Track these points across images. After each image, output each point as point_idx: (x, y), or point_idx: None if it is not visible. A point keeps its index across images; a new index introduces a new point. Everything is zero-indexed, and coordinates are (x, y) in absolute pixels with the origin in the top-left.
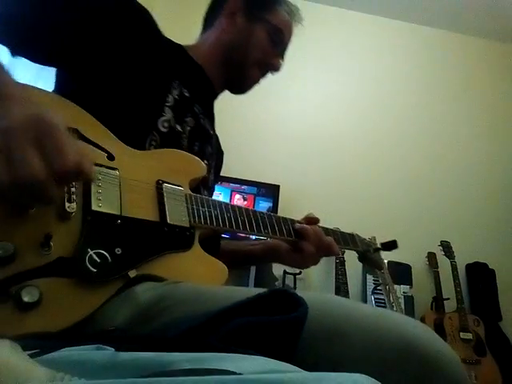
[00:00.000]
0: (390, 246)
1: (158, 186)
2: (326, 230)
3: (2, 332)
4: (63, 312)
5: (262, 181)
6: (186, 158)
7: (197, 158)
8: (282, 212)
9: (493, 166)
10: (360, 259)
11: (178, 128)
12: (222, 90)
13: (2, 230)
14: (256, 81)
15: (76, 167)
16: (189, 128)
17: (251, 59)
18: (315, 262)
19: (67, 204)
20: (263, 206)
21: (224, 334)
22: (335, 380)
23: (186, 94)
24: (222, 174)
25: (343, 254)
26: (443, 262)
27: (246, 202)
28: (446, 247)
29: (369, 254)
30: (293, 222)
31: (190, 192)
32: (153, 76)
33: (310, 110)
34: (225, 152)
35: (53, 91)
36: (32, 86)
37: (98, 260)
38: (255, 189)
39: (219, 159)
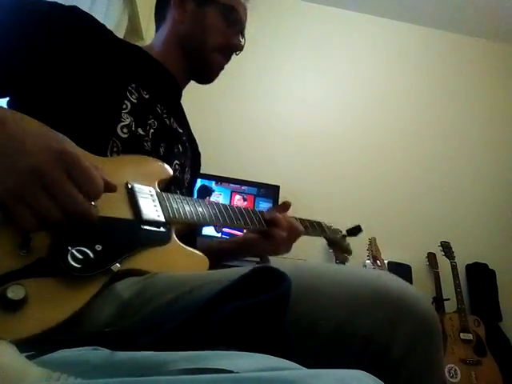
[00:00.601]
0: (355, 231)
1: (128, 186)
2: (294, 218)
3: None
4: (51, 310)
5: (262, 181)
6: (150, 162)
7: (161, 161)
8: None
9: (493, 167)
10: (329, 245)
11: (140, 131)
12: (186, 84)
13: None
14: (221, 66)
15: (102, 187)
16: (152, 130)
17: (210, 45)
18: (288, 249)
19: None
20: (263, 206)
21: (214, 324)
22: (333, 376)
23: (146, 96)
24: (221, 174)
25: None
26: (443, 263)
27: (246, 203)
28: (446, 247)
29: (336, 240)
30: (262, 212)
31: (159, 191)
32: (107, 83)
33: (310, 110)
34: (225, 153)
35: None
36: None
37: (80, 256)
38: (255, 189)
39: (195, 159)
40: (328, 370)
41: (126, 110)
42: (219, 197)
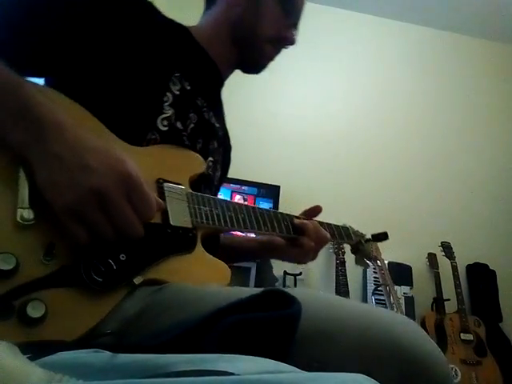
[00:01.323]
0: (381, 237)
1: (159, 185)
2: (321, 224)
3: None
4: (70, 324)
5: (263, 181)
6: (185, 153)
7: (196, 154)
8: None
9: (493, 167)
10: (352, 251)
11: (179, 125)
12: (229, 74)
13: (3, 241)
14: (271, 58)
15: (155, 211)
16: (192, 125)
17: (264, 34)
18: (314, 257)
19: None
20: (263, 206)
21: (219, 332)
22: (334, 380)
23: (188, 88)
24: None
25: (344, 255)
26: (444, 263)
27: (246, 203)
28: (447, 248)
29: (360, 245)
30: (291, 218)
31: (190, 190)
32: (151, 70)
33: (311, 110)
34: (227, 152)
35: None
36: (45, 90)
37: (103, 268)
38: (255, 189)
39: (226, 154)
40: (329, 374)
41: (168, 102)
42: (219, 196)
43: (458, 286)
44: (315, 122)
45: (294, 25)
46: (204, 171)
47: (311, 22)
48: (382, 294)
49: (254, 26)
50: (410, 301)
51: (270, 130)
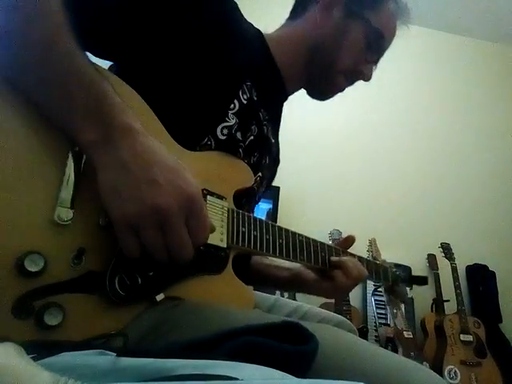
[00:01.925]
0: (419, 281)
1: (203, 196)
2: (360, 259)
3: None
4: (84, 332)
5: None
6: (236, 164)
7: (247, 166)
8: (282, 213)
9: (493, 168)
10: (386, 291)
11: (238, 136)
12: (294, 91)
13: (35, 238)
14: (341, 89)
15: (208, 237)
16: (252, 137)
17: (340, 64)
18: (347, 292)
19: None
20: (263, 207)
21: (229, 349)
22: None
23: (255, 98)
24: None
25: None
26: (443, 264)
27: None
28: (446, 249)
29: (396, 286)
30: (330, 250)
31: (233, 206)
32: (224, 76)
33: (310, 111)
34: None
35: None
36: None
37: (128, 282)
38: None
39: (274, 169)
40: (331, 381)
41: (234, 111)
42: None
43: (457, 287)
44: (315, 124)
45: (375, 62)
46: (251, 186)
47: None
48: (381, 295)
49: (334, 55)
50: (409, 302)
51: None
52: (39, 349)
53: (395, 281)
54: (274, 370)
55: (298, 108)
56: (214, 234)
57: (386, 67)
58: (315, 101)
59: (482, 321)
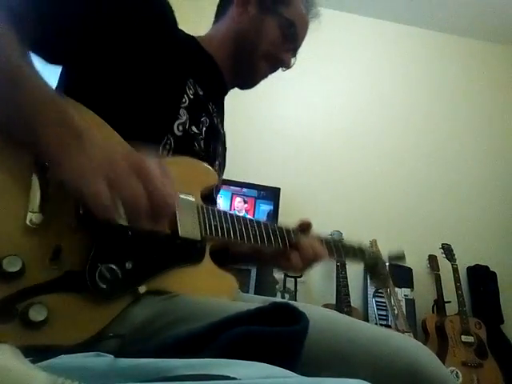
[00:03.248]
0: (397, 258)
1: None
2: (328, 242)
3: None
4: (71, 330)
5: (263, 184)
6: (199, 166)
7: (209, 167)
8: (282, 215)
9: (494, 168)
10: (367, 271)
11: (194, 130)
12: (232, 86)
13: (12, 243)
14: (264, 75)
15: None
16: (204, 128)
17: (261, 50)
18: (301, 271)
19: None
20: (264, 209)
21: (224, 341)
22: None
23: (201, 93)
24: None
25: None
26: (444, 265)
27: (246, 205)
28: (447, 250)
29: (376, 267)
30: (289, 231)
31: (201, 203)
32: (168, 76)
33: (311, 112)
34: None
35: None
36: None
37: (108, 275)
38: (256, 192)
39: (224, 157)
40: (332, 379)
41: (184, 105)
42: (219, 199)
43: (458, 288)
44: (316, 125)
45: (293, 50)
46: (217, 182)
47: (312, 24)
48: (382, 297)
49: (254, 42)
50: (410, 303)
51: (271, 132)
52: (36, 352)
53: (374, 260)
54: (271, 366)
55: (299, 110)
56: (188, 227)
57: (388, 68)
58: (316, 103)
59: (483, 322)
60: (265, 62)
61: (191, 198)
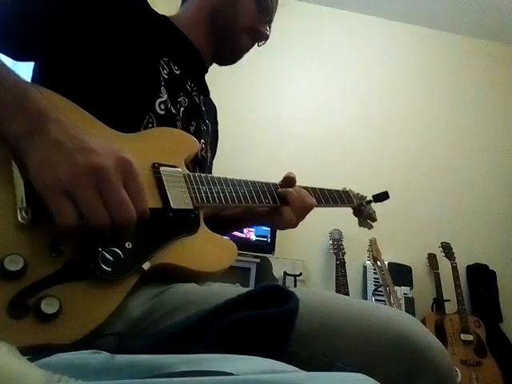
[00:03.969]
0: (382, 197)
1: (155, 169)
2: (315, 190)
3: (25, 343)
4: (86, 315)
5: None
6: (178, 134)
7: (189, 135)
8: None
9: (494, 167)
10: (354, 214)
11: (173, 110)
12: (210, 63)
13: (9, 242)
14: (246, 48)
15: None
16: (182, 108)
17: (240, 24)
18: (294, 225)
19: None
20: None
21: (218, 331)
22: (334, 379)
23: (177, 72)
24: (221, 175)
25: (343, 256)
26: (444, 264)
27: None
28: (447, 248)
29: (362, 207)
30: (276, 186)
31: (187, 171)
32: (141, 56)
33: (310, 110)
34: (223, 153)
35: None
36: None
37: (111, 258)
38: None
39: (214, 133)
40: (328, 373)
41: (163, 84)
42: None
43: (458, 286)
44: (316, 123)
45: (268, 22)
46: (198, 151)
47: (312, 23)
48: (382, 295)
49: (232, 16)
50: (410, 301)
51: (271, 130)
52: (33, 350)
53: (361, 203)
54: (269, 360)
55: (299, 109)
56: (179, 198)
57: (388, 67)
58: (316, 101)
59: (483, 320)
60: (246, 35)
61: (177, 169)
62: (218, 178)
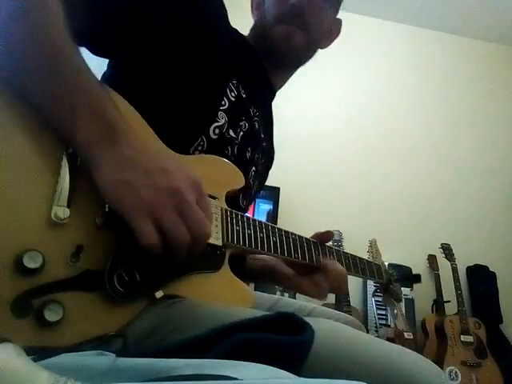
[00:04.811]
0: (414, 279)
1: None
2: (347, 256)
3: (19, 343)
4: (84, 330)
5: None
6: (227, 166)
7: (237, 168)
8: (282, 214)
9: (494, 168)
10: (380, 289)
11: (231, 133)
12: (280, 86)
13: (34, 237)
14: (284, 34)
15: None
16: (242, 133)
17: (269, 18)
18: (322, 298)
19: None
20: (263, 208)
21: (227, 346)
22: None
23: (243, 95)
24: None
25: None
26: (444, 265)
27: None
28: (447, 250)
29: (390, 285)
30: (323, 248)
31: (225, 206)
32: (210, 75)
33: (311, 112)
34: (269, 164)
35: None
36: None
37: (127, 278)
38: None
39: (268, 164)
40: (333, 381)
41: (224, 108)
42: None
43: (458, 287)
44: (316, 124)
45: None
46: (243, 185)
47: None
48: (381, 296)
49: (263, 19)
50: (410, 303)
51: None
52: (37, 351)
53: (389, 279)
54: (274, 368)
55: (299, 109)
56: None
57: (388, 67)
58: (316, 102)
59: (483, 321)
60: (279, 25)
61: (216, 201)
62: (254, 221)
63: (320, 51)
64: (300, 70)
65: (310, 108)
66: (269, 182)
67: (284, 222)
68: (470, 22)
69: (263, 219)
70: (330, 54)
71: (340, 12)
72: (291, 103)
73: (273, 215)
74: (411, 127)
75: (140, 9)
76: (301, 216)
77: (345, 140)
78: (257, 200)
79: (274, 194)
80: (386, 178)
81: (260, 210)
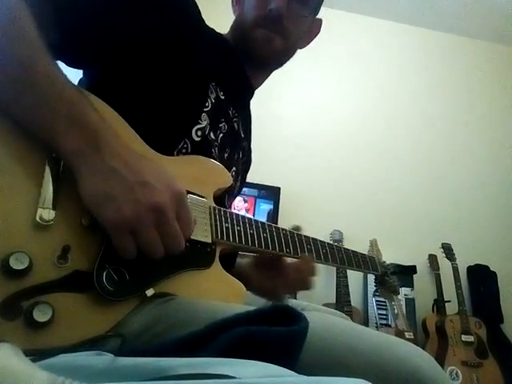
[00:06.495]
0: (409, 270)
1: None
2: (340, 250)
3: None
4: (75, 331)
5: (263, 183)
6: (213, 166)
7: (224, 168)
8: (282, 214)
9: (494, 168)
10: (376, 282)
11: (212, 136)
12: (259, 85)
13: (20, 239)
14: (265, 38)
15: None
16: (221, 135)
17: (249, 20)
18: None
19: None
20: (264, 208)
21: (224, 341)
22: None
23: (222, 97)
24: None
25: None
26: (444, 265)
27: (246, 205)
28: (448, 249)
29: (386, 277)
30: (315, 243)
31: (213, 204)
32: (191, 78)
33: (311, 112)
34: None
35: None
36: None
37: (116, 277)
38: (256, 191)
39: (247, 164)
40: (330, 378)
41: (206, 110)
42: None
43: (458, 287)
44: (316, 124)
45: None
46: (230, 185)
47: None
48: (379, 289)
49: (243, 19)
50: (410, 302)
51: (271, 131)
52: (36, 351)
53: (385, 272)
54: (270, 365)
55: (299, 109)
56: (198, 230)
57: (388, 67)
58: (316, 102)
59: (484, 321)
60: (259, 28)
61: (204, 200)
62: (243, 218)
63: (320, 51)
64: (300, 70)
65: (310, 108)
66: (269, 182)
67: (284, 222)
68: (470, 21)
69: (264, 219)
70: (330, 53)
71: (340, 12)
72: (291, 103)
73: (273, 215)
74: (412, 127)
75: (113, 16)
76: (301, 216)
77: (346, 140)
78: (257, 200)
79: (274, 194)
80: (387, 177)
81: (260, 210)
